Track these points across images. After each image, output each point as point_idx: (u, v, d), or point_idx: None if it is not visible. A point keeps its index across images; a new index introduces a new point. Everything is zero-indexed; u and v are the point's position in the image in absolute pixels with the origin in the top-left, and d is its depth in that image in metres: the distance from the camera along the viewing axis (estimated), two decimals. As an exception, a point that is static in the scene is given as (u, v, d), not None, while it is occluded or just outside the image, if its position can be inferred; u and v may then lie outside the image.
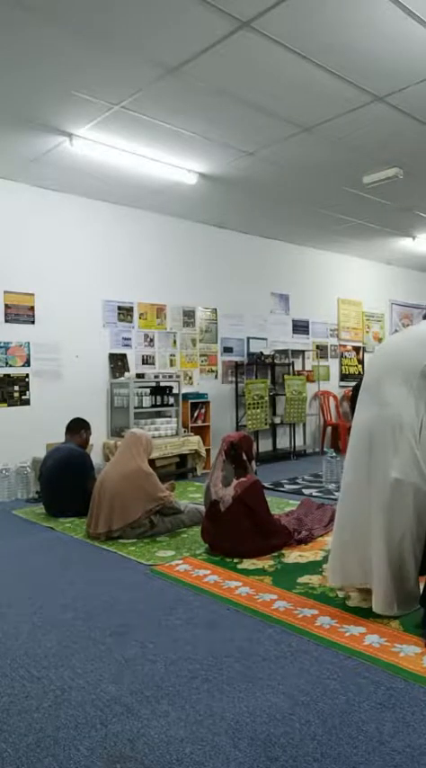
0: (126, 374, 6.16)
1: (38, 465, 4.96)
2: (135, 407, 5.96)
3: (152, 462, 4.74)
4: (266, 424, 7.08)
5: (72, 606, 2.81)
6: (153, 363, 6.59)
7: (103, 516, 3.94)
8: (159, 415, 6.32)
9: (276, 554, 3.53)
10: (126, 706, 1.95)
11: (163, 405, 6.26)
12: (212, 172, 5.29)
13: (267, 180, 5.50)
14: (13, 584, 3.14)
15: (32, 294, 5.62)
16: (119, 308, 6.29)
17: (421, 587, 2.58)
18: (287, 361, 7.67)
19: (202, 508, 3.94)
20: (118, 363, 6.22)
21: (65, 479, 4.58)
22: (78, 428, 4.97)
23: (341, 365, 8.88)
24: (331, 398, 8.55)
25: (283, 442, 7.82)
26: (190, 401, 6.65)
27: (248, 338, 7.55)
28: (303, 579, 3.11)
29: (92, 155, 4.79)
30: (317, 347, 8.47)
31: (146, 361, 6.54)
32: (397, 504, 2.53)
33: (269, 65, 3.49)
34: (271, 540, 3.59)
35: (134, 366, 6.35)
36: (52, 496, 4.65)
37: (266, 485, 5.26)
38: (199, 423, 6.76)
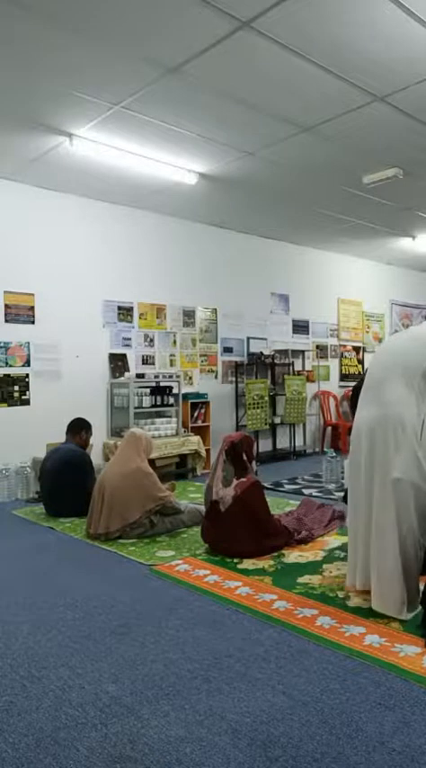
0: (126, 374, 6.16)
1: (38, 465, 4.96)
2: (135, 407, 5.96)
3: (152, 462, 4.74)
4: (266, 424, 7.08)
5: (72, 606, 2.81)
6: (153, 363, 6.59)
7: (103, 516, 3.94)
8: (159, 415, 6.31)
9: (276, 554, 3.53)
10: (126, 706, 1.95)
11: (163, 405, 6.26)
12: (212, 172, 5.28)
13: (267, 180, 5.50)
14: (13, 585, 3.14)
15: (32, 294, 5.62)
16: (119, 308, 6.29)
17: (421, 587, 2.58)
18: (287, 361, 7.67)
19: (202, 508, 3.94)
20: (118, 363, 6.21)
21: (65, 479, 4.58)
22: (78, 428, 4.96)
23: (341, 365, 8.88)
24: (331, 398, 8.55)
25: (283, 442, 7.82)
26: (190, 401, 6.65)
27: (248, 338, 7.55)
28: (303, 579, 3.11)
29: (92, 155, 4.79)
30: (317, 347, 8.47)
31: (146, 361, 6.53)
32: (399, 504, 2.54)
33: (269, 65, 3.49)
34: (271, 541, 3.59)
35: (134, 366, 6.35)
36: (52, 496, 4.64)
37: (266, 485, 5.26)
38: (199, 423, 6.76)
